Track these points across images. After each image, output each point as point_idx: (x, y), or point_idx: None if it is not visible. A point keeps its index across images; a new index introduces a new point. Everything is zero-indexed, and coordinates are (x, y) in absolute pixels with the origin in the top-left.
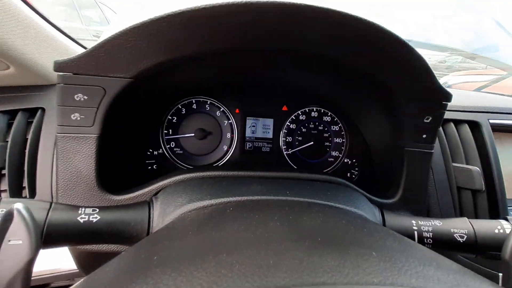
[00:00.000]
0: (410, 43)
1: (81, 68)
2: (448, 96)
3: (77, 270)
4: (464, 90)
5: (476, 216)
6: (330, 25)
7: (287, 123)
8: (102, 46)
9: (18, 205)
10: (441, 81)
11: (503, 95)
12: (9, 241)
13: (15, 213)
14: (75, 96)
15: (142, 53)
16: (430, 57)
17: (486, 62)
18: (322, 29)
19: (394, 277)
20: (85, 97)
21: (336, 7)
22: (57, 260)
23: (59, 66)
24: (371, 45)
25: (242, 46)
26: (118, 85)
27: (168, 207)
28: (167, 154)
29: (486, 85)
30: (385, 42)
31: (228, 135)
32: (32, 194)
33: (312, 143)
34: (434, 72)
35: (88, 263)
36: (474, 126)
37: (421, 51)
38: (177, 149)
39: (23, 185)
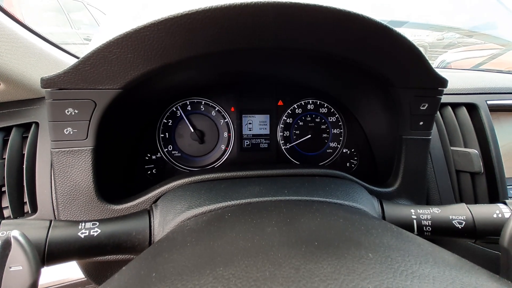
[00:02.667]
0: (407, 24)
1: (68, 83)
2: (443, 82)
3: (85, 279)
4: (461, 70)
5: (476, 198)
6: (323, 22)
7: (284, 117)
8: (88, 59)
9: (15, 232)
10: (439, 59)
11: (501, 71)
12: (10, 268)
13: (13, 240)
14: (66, 111)
15: (128, 63)
16: (428, 34)
17: (485, 39)
18: (315, 26)
19: (390, 280)
20: (76, 111)
21: (332, 4)
22: (66, 269)
23: (46, 82)
24: (363, 38)
25: (230, 47)
26: (107, 96)
27: (168, 215)
28: (165, 158)
29: (484, 62)
30: (377, 34)
31: (225, 134)
32: (34, 209)
33: (309, 136)
34: (433, 50)
35: (95, 272)
36: (472, 108)
37: (419, 32)
38: (175, 151)
39: (24, 201)
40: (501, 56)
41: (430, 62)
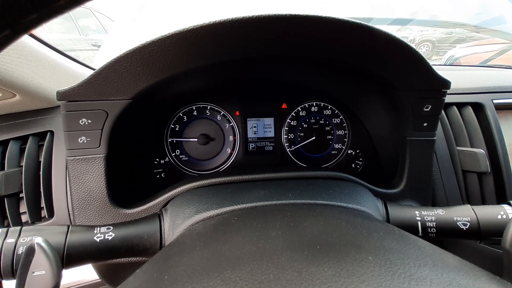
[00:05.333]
0: (413, 22)
1: (82, 95)
2: (446, 84)
3: (100, 280)
4: (468, 67)
5: (483, 199)
6: (328, 31)
7: (288, 120)
8: (100, 73)
9: (38, 239)
10: (448, 54)
11: (509, 67)
12: (33, 272)
13: (36, 247)
14: (80, 121)
15: (137, 75)
16: (435, 30)
17: (492, 35)
18: (320, 35)
19: (388, 282)
20: (89, 121)
21: (331, 14)
22: (81, 271)
23: (62, 95)
24: (363, 45)
25: (234, 57)
26: (118, 106)
27: (177, 219)
28: (173, 162)
29: (492, 58)
30: (376, 40)
31: (231, 137)
32: (50, 214)
33: (314, 138)
34: (441, 44)
35: (109, 273)
36: (478, 108)
37: (426, 28)
38: (183, 156)
39: (41, 206)
40: (509, 51)
41: (438, 57)
